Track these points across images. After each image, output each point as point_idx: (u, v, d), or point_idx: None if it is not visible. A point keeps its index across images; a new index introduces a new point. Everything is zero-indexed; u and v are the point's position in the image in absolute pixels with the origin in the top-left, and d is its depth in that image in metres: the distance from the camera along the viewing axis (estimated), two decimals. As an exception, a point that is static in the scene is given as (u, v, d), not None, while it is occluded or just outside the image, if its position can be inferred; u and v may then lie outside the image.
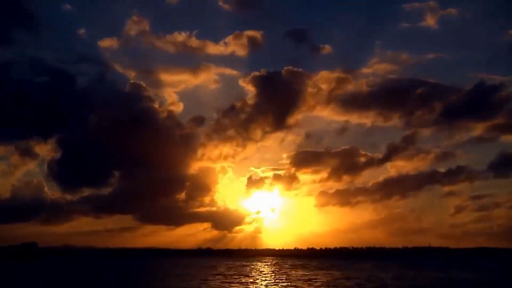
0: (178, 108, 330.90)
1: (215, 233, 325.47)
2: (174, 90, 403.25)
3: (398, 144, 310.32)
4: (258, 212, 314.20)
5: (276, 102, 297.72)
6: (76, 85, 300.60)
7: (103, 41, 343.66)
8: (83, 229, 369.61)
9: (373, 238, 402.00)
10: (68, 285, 66.04)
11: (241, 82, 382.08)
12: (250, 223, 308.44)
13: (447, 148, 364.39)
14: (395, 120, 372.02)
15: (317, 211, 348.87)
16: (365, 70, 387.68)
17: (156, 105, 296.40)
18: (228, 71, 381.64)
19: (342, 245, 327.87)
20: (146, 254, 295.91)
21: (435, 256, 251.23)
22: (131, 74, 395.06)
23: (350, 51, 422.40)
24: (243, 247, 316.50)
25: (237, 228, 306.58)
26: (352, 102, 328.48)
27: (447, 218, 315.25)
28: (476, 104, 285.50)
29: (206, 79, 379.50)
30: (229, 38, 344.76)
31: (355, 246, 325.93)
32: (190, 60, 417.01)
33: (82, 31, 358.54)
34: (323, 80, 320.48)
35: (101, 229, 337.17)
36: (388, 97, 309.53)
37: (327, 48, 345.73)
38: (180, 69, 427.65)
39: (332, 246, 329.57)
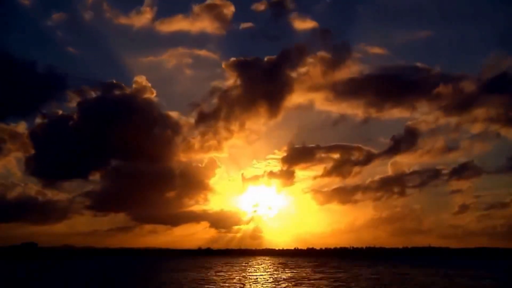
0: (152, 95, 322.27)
1: (212, 232, 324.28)
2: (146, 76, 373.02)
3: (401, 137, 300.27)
4: (256, 205, 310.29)
5: (260, 90, 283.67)
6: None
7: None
8: (80, 229, 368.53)
9: (373, 238, 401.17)
10: (68, 285, 65.22)
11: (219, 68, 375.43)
12: (247, 223, 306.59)
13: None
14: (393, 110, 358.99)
15: (313, 208, 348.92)
16: (356, 54, 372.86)
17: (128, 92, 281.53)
18: (204, 54, 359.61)
19: (342, 245, 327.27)
20: (146, 255, 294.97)
21: (436, 256, 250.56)
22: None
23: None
24: (243, 247, 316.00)
25: (236, 227, 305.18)
26: (345, 90, 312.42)
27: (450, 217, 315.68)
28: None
29: (179, 63, 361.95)
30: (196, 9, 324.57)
31: (355, 246, 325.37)
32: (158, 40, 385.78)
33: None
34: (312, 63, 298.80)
35: (101, 229, 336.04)
36: (386, 84, 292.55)
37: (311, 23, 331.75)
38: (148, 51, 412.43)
39: (332, 246, 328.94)
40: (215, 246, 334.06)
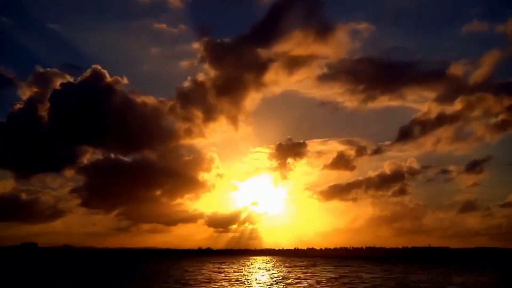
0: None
1: (210, 231, 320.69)
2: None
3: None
4: (254, 203, 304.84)
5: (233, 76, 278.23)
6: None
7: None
8: (81, 229, 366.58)
9: (373, 238, 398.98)
10: (68, 285, 64.01)
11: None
12: (243, 222, 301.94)
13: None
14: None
15: (312, 204, 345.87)
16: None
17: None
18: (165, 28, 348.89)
19: (342, 245, 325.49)
20: (146, 255, 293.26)
21: (436, 256, 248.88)
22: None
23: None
24: (242, 247, 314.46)
25: (234, 226, 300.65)
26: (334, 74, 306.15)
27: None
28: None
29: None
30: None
31: (355, 246, 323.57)
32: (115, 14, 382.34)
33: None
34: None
35: (101, 229, 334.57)
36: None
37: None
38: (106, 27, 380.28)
39: (332, 246, 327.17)
40: (213, 246, 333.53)
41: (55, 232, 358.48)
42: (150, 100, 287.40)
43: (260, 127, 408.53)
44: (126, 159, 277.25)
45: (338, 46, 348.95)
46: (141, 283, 65.28)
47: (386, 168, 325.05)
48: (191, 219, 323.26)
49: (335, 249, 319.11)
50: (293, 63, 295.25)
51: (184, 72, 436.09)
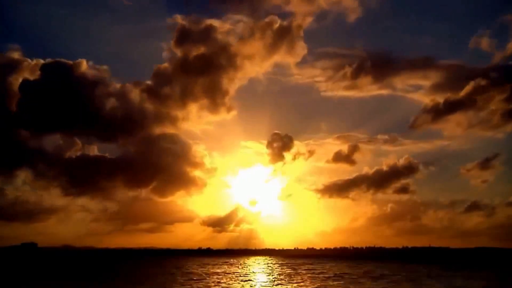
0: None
1: (208, 230, 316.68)
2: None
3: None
4: (251, 203, 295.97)
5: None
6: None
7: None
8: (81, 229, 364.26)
9: (373, 238, 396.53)
10: (68, 285, 62.76)
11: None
12: (240, 221, 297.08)
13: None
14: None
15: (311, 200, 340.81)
16: None
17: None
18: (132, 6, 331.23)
19: (342, 245, 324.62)
20: (146, 255, 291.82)
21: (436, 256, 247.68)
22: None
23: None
24: (242, 247, 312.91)
25: (231, 226, 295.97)
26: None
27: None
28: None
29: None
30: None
31: (355, 246, 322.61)
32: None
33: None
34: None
35: (101, 230, 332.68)
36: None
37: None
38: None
39: (332, 246, 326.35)
40: (213, 246, 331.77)
41: (56, 232, 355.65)
42: (116, 84, 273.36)
43: (247, 118, 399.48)
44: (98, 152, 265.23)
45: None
46: (142, 283, 64.00)
47: (385, 164, 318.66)
48: (187, 218, 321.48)
49: (335, 249, 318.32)
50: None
51: (155, 53, 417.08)
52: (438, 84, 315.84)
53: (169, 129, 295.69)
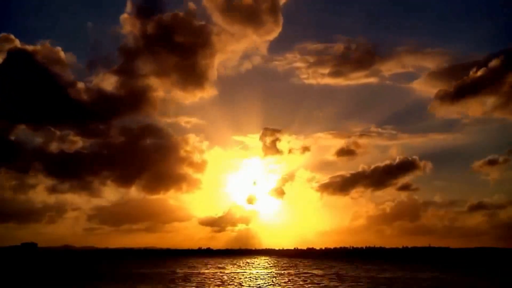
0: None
1: (206, 230, 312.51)
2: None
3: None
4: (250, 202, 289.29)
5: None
6: None
7: None
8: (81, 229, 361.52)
9: (373, 238, 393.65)
10: (67, 285, 61.72)
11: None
12: (239, 222, 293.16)
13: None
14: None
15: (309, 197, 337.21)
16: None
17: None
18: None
19: (342, 245, 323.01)
20: (146, 255, 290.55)
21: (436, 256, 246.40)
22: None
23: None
24: (243, 247, 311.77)
25: (230, 227, 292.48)
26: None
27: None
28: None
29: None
30: None
31: (355, 246, 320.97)
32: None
33: None
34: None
35: (101, 230, 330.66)
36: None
37: None
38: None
39: (332, 246, 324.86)
40: (213, 246, 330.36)
41: (56, 232, 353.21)
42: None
43: (235, 110, 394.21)
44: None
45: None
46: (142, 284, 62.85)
47: (386, 159, 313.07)
48: (183, 217, 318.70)
49: (335, 249, 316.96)
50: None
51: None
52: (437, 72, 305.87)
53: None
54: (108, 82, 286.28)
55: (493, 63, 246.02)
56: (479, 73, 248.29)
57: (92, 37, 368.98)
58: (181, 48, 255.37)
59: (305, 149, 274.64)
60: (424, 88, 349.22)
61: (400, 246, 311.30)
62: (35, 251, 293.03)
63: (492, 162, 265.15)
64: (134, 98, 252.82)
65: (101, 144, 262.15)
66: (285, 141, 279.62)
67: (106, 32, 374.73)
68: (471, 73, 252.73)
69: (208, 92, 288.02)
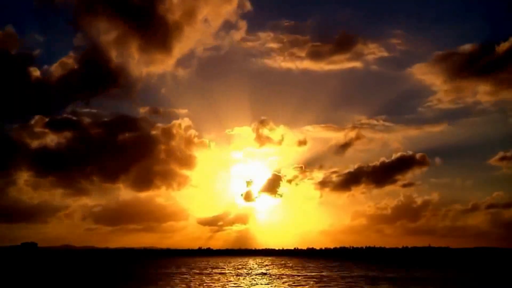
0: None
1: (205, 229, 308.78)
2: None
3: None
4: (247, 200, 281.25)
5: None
6: None
7: None
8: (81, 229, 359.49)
9: (373, 238, 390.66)
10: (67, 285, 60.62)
11: None
12: (237, 221, 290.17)
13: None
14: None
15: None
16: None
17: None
18: None
19: (342, 245, 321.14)
20: (146, 255, 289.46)
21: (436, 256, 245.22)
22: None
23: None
24: (242, 246, 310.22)
25: (227, 227, 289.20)
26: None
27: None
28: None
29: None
30: None
31: (355, 246, 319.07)
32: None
33: None
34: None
35: (101, 229, 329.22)
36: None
37: None
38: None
39: (332, 246, 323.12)
40: (213, 246, 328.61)
41: (56, 232, 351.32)
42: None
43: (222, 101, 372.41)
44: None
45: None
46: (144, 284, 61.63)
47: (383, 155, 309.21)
48: (181, 216, 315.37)
49: (335, 249, 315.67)
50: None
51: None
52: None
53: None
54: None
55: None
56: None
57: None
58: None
59: (298, 143, 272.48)
60: (414, 75, 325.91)
61: (400, 246, 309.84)
62: (35, 251, 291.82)
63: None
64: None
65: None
66: (278, 133, 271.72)
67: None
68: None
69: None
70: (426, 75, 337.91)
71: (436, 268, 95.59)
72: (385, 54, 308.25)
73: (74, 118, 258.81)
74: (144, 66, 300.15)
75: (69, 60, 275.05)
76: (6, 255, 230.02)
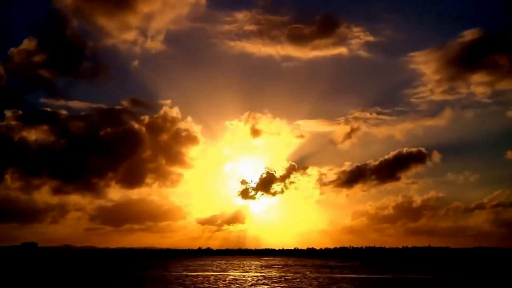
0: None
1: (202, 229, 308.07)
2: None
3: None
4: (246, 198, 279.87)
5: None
6: None
7: None
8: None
9: (373, 237, 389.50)
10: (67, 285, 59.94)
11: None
12: (237, 220, 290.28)
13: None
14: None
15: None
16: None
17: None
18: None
19: (342, 245, 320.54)
20: (145, 255, 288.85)
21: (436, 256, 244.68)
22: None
23: None
24: (242, 247, 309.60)
25: (226, 226, 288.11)
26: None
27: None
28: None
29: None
30: None
31: (354, 246, 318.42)
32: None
33: None
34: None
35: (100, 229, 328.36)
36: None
37: None
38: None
39: (332, 246, 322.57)
40: (212, 246, 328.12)
41: (56, 232, 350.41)
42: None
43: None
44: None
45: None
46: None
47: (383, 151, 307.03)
48: (180, 216, 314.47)
49: (335, 249, 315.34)
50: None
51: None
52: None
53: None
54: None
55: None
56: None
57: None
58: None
59: (292, 138, 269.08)
60: (406, 63, 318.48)
61: (400, 246, 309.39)
62: (35, 250, 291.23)
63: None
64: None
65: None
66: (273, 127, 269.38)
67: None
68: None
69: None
70: (418, 64, 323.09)
71: (436, 270, 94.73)
72: (371, 38, 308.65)
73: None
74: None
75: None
76: (6, 255, 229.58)
